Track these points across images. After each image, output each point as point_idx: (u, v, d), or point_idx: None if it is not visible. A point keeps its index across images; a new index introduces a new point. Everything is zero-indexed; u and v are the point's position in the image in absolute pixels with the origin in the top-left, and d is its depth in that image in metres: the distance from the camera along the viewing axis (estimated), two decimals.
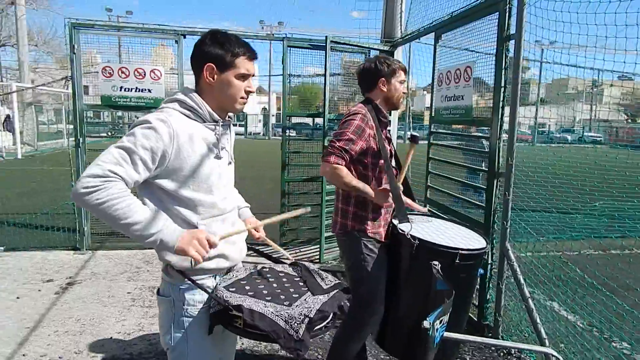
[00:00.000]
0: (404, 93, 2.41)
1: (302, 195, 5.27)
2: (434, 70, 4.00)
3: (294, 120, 6.61)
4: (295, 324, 1.47)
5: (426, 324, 1.55)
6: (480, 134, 3.74)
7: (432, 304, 1.78)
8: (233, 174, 1.74)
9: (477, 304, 3.25)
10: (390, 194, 2.17)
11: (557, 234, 3.52)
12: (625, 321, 2.55)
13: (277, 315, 1.47)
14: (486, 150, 3.25)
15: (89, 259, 4.74)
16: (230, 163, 1.70)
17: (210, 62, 1.52)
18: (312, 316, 1.49)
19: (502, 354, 2.94)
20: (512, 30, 2.91)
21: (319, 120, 5.02)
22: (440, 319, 1.69)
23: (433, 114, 4.00)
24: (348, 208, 2.28)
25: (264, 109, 44.87)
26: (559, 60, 2.92)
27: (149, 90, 4.85)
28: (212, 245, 1.47)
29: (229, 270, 1.69)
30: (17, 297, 3.71)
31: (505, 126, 2.99)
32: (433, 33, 3.99)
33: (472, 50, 3.48)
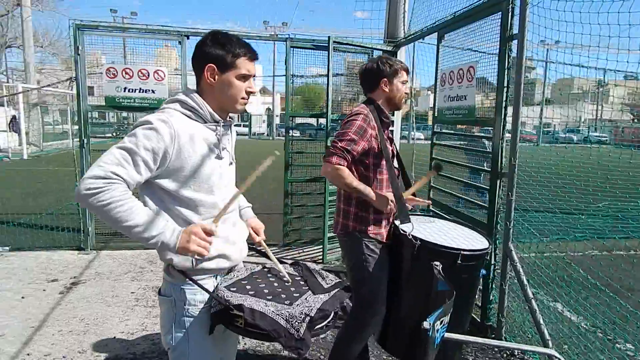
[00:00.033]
0: (406, 93, 2.41)
1: (305, 195, 5.27)
2: (436, 70, 4.00)
3: (298, 120, 6.62)
4: (296, 323, 1.47)
5: (426, 324, 1.54)
6: (482, 134, 3.73)
7: (434, 305, 1.77)
8: (234, 175, 1.75)
9: (480, 304, 3.24)
10: (392, 195, 2.17)
11: (560, 235, 3.50)
12: (629, 322, 2.53)
13: (278, 315, 1.47)
14: (488, 150, 3.24)
15: (93, 259, 4.77)
16: (231, 163, 1.70)
17: (211, 62, 1.52)
18: (312, 315, 1.50)
19: (505, 355, 2.93)
20: (515, 30, 2.90)
21: (322, 121, 5.03)
22: (441, 319, 1.68)
23: (436, 114, 3.99)
24: (349, 209, 2.28)
25: (268, 109, 44.94)
26: (563, 60, 2.91)
27: (153, 91, 4.87)
28: (209, 233, 1.46)
29: (230, 270, 1.70)
30: (22, 297, 3.73)
31: (509, 126, 2.98)
32: (436, 33, 3.98)
33: (475, 50, 3.48)
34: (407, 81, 2.40)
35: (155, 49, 5.15)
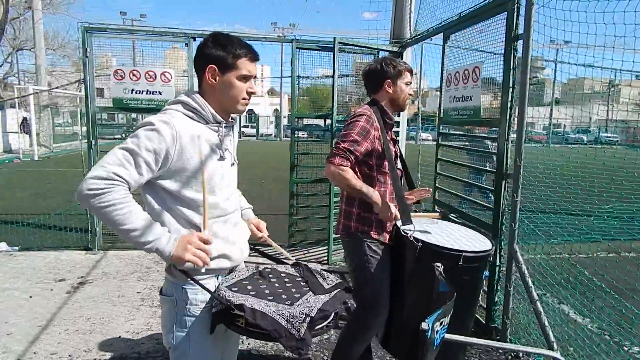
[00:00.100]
0: (409, 95, 2.40)
1: (311, 196, 5.28)
2: (442, 70, 3.98)
3: (306, 121, 6.62)
4: (297, 323, 1.47)
5: (424, 325, 1.54)
6: (485, 135, 3.71)
7: (435, 306, 1.77)
8: (236, 175, 1.75)
9: (485, 306, 3.22)
10: (394, 196, 2.16)
11: (565, 237, 3.48)
12: (635, 325, 2.50)
13: (279, 315, 1.48)
14: (490, 150, 3.22)
15: (100, 259, 4.81)
16: (233, 164, 1.71)
17: (212, 63, 1.54)
18: (313, 315, 1.50)
19: (510, 357, 2.91)
20: (521, 30, 2.88)
21: (330, 122, 5.03)
22: (441, 320, 1.68)
23: (442, 115, 3.98)
24: (352, 209, 2.28)
25: (276, 110, 45.07)
26: (574, 60, 2.88)
27: (160, 93, 4.91)
28: (205, 242, 1.47)
29: (231, 270, 1.71)
30: (30, 296, 3.78)
31: (514, 127, 2.96)
32: (442, 34, 3.97)
33: (481, 51, 3.46)
34: (410, 82, 2.39)
35: (164, 50, 5.19)
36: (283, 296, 1.57)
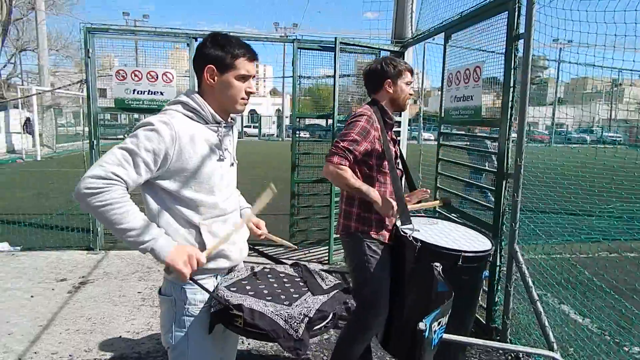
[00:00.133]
0: (410, 94, 2.40)
1: (312, 196, 5.28)
2: (443, 70, 3.98)
3: (308, 121, 6.60)
4: (295, 324, 1.47)
5: (422, 325, 1.54)
6: (485, 135, 3.70)
7: (434, 306, 1.76)
8: (235, 175, 1.76)
9: (485, 306, 3.22)
10: (393, 196, 2.16)
11: (566, 237, 3.47)
12: (634, 325, 2.49)
13: (277, 315, 1.48)
14: (489, 150, 3.21)
15: (101, 259, 4.82)
16: (232, 164, 1.71)
17: (211, 63, 1.54)
18: (311, 316, 1.50)
19: (510, 357, 2.91)
20: (522, 30, 2.87)
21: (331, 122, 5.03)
22: (439, 320, 1.67)
23: (443, 115, 3.97)
24: (352, 209, 2.27)
25: (278, 110, 45.12)
26: (575, 59, 2.87)
27: (161, 93, 4.92)
28: (199, 264, 1.47)
29: (230, 270, 1.71)
30: (32, 296, 3.79)
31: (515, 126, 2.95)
32: (443, 33, 3.96)
33: (482, 50, 3.45)
34: (411, 82, 2.39)
35: (166, 51, 5.20)
36: (282, 296, 1.57)
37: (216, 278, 1.65)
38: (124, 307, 3.61)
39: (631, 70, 2.59)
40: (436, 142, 4.15)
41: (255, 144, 28.12)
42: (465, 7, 3.56)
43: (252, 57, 1.59)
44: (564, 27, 2.71)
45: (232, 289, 1.57)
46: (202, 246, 1.56)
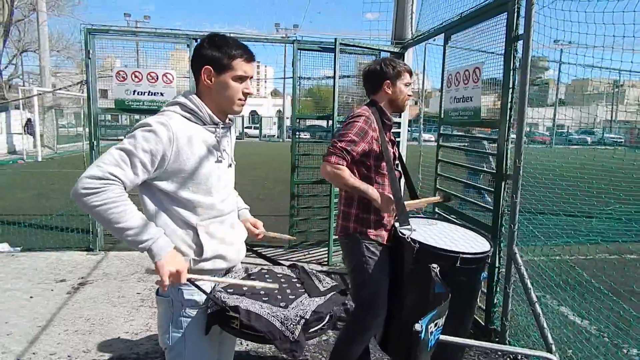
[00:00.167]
0: (409, 96, 2.40)
1: (312, 197, 5.28)
2: (443, 71, 3.97)
3: (309, 122, 6.59)
4: (291, 325, 1.47)
5: (417, 326, 1.53)
6: (482, 136, 3.70)
7: (432, 308, 1.76)
8: (233, 177, 1.75)
9: (484, 307, 3.21)
10: (392, 197, 2.16)
11: (565, 238, 3.46)
12: (632, 327, 2.49)
13: (274, 316, 1.48)
14: (487, 151, 3.20)
15: (101, 260, 4.82)
16: (230, 165, 1.71)
17: (208, 64, 1.54)
18: (307, 317, 1.50)
19: (508, 359, 2.90)
20: (521, 31, 2.87)
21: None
22: (435, 322, 1.67)
23: (442, 116, 3.97)
24: (350, 210, 2.27)
25: (279, 111, 45.16)
26: (578, 60, 2.86)
27: (161, 94, 4.92)
28: (178, 281, 1.47)
29: (228, 271, 1.71)
30: (31, 297, 3.79)
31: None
32: (443, 34, 3.96)
33: (482, 51, 3.45)
34: (410, 83, 2.38)
35: (166, 51, 5.21)
36: (278, 297, 1.57)
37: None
38: (122, 308, 3.61)
39: (629, 71, 2.58)
40: (435, 143, 4.15)
41: (256, 145, 28.13)
42: (465, 8, 3.56)
43: (250, 58, 1.58)
44: (563, 28, 2.70)
45: (229, 290, 1.57)
46: (200, 247, 1.56)
